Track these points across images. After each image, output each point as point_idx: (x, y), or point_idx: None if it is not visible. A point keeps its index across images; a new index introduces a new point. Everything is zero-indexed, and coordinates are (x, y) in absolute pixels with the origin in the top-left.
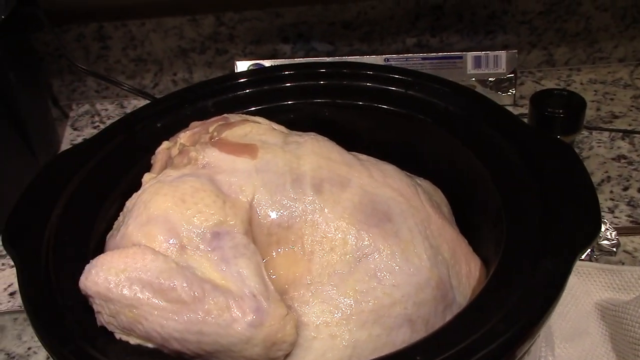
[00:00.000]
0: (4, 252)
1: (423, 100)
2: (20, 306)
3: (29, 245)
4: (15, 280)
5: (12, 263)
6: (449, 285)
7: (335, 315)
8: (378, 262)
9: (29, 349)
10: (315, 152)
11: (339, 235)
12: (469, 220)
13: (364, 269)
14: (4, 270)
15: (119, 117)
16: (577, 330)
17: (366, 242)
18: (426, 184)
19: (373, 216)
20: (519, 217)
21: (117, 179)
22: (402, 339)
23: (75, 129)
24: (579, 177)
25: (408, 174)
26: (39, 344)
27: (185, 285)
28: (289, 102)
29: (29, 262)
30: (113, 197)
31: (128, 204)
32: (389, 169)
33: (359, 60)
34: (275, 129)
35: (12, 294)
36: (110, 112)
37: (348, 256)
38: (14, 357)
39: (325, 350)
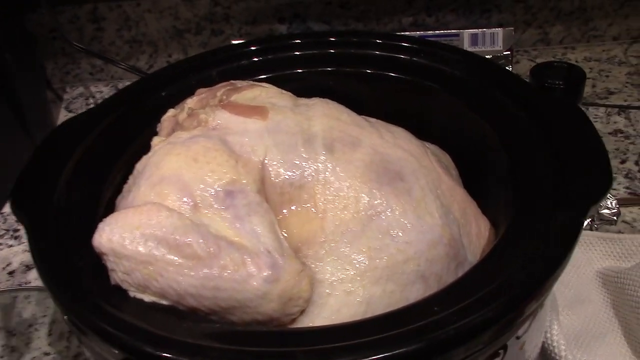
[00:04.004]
0: (2, 232)
1: (430, 66)
2: (19, 285)
3: (39, 208)
4: (13, 259)
5: (10, 243)
6: (460, 244)
7: (349, 272)
8: (390, 219)
9: (30, 325)
10: (325, 113)
11: (352, 194)
12: (477, 184)
13: (377, 226)
14: (1, 250)
15: None
16: (580, 297)
17: (378, 200)
18: (434, 147)
19: (385, 175)
20: (530, 175)
21: (124, 146)
22: (416, 295)
23: (70, 111)
24: (588, 133)
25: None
26: (40, 321)
27: (201, 241)
28: (296, 71)
29: (40, 224)
30: (120, 163)
31: (138, 166)
32: (399, 130)
33: None
34: (284, 93)
35: (10, 273)
36: (104, 94)
37: (361, 214)
38: (14, 335)
39: (340, 307)
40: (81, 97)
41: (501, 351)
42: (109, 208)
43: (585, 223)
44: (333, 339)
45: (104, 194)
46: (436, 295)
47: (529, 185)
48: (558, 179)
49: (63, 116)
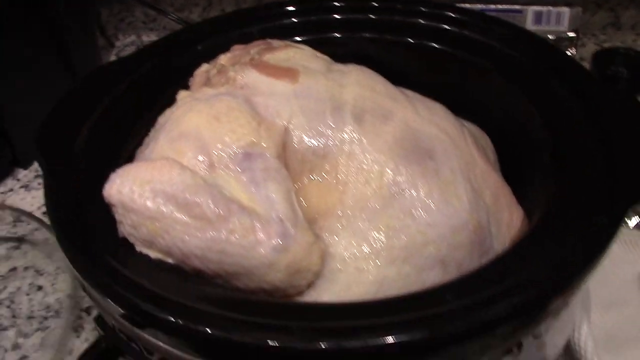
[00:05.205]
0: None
1: (481, 42)
2: None
3: (59, 154)
4: None
5: None
6: (487, 232)
7: (365, 249)
8: (415, 199)
9: (58, 267)
10: (359, 82)
11: (376, 168)
12: (516, 171)
13: (399, 205)
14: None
15: None
16: (617, 299)
17: (404, 178)
18: (473, 127)
19: (414, 153)
20: (574, 168)
21: (153, 98)
22: (433, 280)
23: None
24: None
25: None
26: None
27: (210, 202)
28: (336, 35)
29: (57, 169)
30: (148, 116)
31: (160, 119)
32: (436, 106)
33: None
34: (318, 57)
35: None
36: None
37: (383, 190)
38: (42, 274)
39: (351, 284)
40: (132, 45)
41: (515, 348)
42: (131, 159)
43: (634, 222)
44: (332, 317)
45: (127, 144)
46: (450, 284)
47: (571, 179)
48: (604, 175)
49: None
